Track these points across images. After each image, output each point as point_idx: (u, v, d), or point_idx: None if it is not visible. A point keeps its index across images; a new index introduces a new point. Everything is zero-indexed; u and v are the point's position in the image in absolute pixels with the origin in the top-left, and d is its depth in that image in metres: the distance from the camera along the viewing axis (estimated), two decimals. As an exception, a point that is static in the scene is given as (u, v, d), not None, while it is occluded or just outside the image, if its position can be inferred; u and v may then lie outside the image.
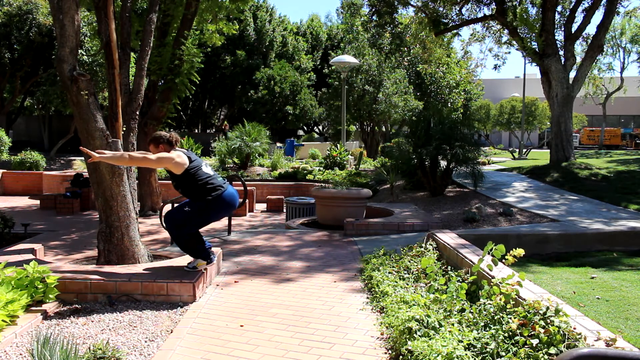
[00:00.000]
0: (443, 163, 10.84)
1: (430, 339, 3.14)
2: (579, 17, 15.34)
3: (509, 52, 60.30)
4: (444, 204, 9.93)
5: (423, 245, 5.89)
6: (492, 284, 3.75)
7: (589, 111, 39.38)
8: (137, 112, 7.46)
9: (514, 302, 3.49)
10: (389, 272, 5.01)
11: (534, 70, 57.28)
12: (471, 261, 4.66)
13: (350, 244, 7.14)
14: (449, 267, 5.15)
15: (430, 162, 10.73)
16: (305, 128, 42.33)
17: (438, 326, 3.32)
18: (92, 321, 4.06)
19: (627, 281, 5.27)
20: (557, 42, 14.35)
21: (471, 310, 3.57)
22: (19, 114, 28.07)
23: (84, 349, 3.41)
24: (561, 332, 2.88)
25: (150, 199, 11.56)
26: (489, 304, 3.56)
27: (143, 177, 11.45)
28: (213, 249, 5.85)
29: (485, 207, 9.26)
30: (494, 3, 15.45)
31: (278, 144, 26.99)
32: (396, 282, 4.67)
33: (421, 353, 2.96)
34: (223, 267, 5.75)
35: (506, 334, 3.07)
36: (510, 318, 3.23)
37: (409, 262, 5.34)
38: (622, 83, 34.85)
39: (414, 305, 3.76)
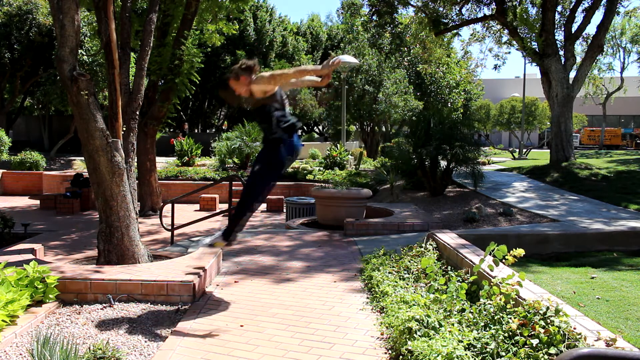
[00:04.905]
0: (443, 163, 10.84)
1: (430, 339, 3.13)
2: (579, 17, 15.36)
3: (509, 52, 60.35)
4: (444, 204, 9.93)
5: (423, 245, 5.89)
6: (492, 284, 3.74)
7: (589, 111, 39.42)
8: (137, 112, 7.45)
9: (514, 302, 3.49)
10: (389, 272, 5.00)
11: (534, 70, 57.28)
12: (471, 261, 4.66)
13: (350, 244, 7.14)
14: (449, 267, 5.15)
15: (430, 162, 10.73)
16: (305, 128, 42.32)
17: (438, 326, 3.32)
18: (92, 321, 4.06)
19: (627, 281, 5.27)
20: (557, 42, 14.35)
21: (471, 310, 3.57)
22: (19, 114, 28.05)
23: (84, 349, 3.41)
24: (561, 332, 2.88)
25: (150, 199, 11.57)
26: (489, 304, 3.55)
27: (143, 177, 11.46)
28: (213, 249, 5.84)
29: (485, 207, 9.26)
30: (494, 3, 15.45)
31: (278, 144, 26.92)
32: (396, 282, 4.67)
33: (421, 353, 2.96)
34: (223, 267, 5.75)
35: (506, 334, 3.07)
36: (510, 318, 3.22)
37: (409, 262, 5.34)
38: (622, 83, 34.89)
39: (414, 305, 3.76)
